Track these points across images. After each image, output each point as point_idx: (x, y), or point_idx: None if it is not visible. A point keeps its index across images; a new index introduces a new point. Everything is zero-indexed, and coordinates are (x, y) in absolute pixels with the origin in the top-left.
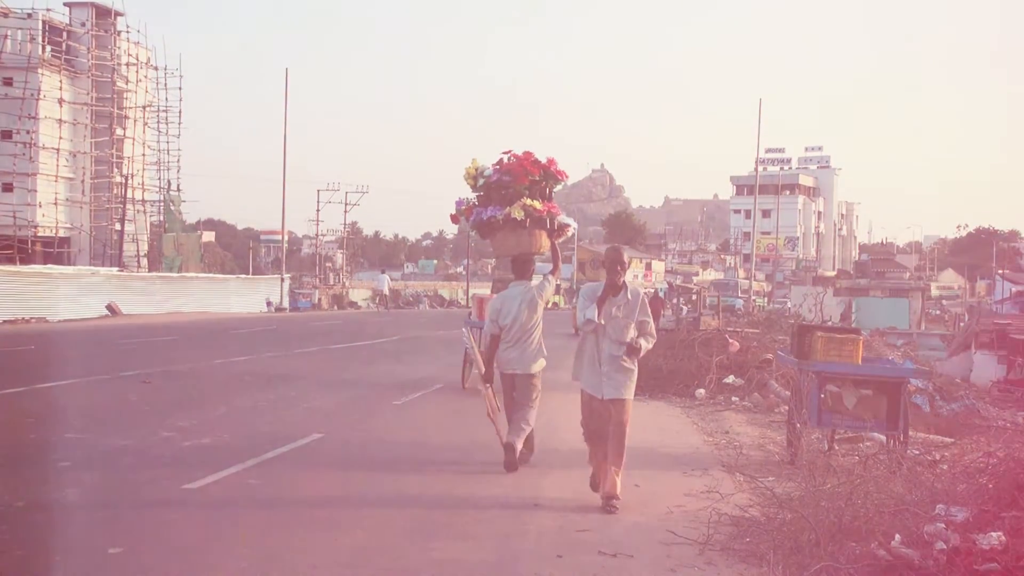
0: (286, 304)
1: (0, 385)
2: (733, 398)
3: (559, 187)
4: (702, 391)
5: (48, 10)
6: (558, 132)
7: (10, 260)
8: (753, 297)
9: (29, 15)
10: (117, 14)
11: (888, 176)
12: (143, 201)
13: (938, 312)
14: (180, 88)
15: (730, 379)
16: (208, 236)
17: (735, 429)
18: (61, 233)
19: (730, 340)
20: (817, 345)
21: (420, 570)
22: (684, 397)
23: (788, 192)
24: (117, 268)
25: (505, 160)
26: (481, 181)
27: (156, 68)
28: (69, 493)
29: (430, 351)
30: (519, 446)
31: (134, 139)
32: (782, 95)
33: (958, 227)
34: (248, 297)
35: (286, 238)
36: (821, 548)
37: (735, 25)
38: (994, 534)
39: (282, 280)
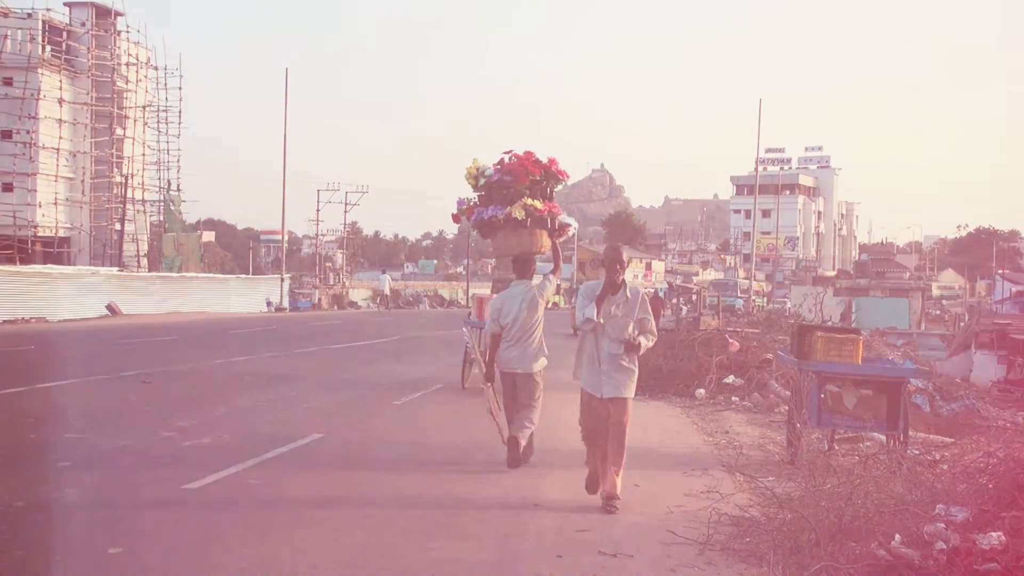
0: (286, 304)
1: (0, 385)
2: (733, 398)
3: (560, 187)
4: (702, 391)
5: (48, 10)
6: (558, 132)
7: (10, 260)
8: (752, 297)
9: (29, 15)
10: (117, 14)
11: (888, 176)
12: (143, 201)
13: (938, 312)
14: (180, 88)
15: (730, 379)
16: (208, 236)
17: (735, 429)
18: (61, 233)
19: (730, 340)
20: (817, 345)
21: (420, 570)
22: (684, 397)
23: (788, 192)
24: (117, 268)
25: (506, 160)
26: (482, 181)
27: (156, 68)
28: (69, 493)
29: (430, 351)
30: (523, 442)
31: (134, 139)
32: (782, 95)
33: (958, 227)
34: (248, 297)
35: (286, 238)
36: (821, 548)
37: (735, 25)
38: (994, 534)
39: (282, 280)
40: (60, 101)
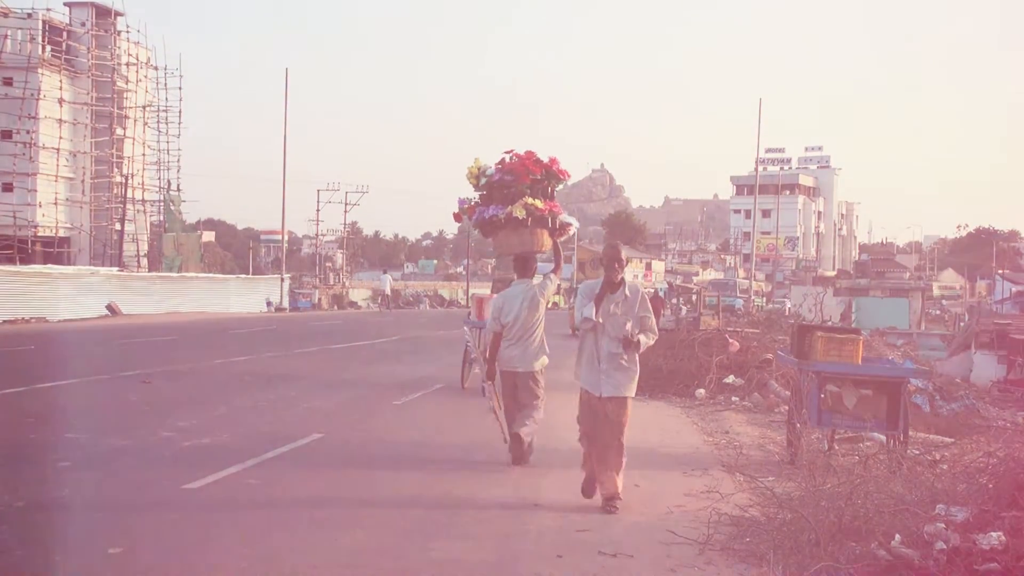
0: (286, 304)
1: (0, 385)
2: (733, 398)
3: (561, 186)
4: (702, 391)
5: (48, 10)
6: (558, 132)
7: (10, 260)
8: (752, 297)
9: (29, 15)
10: (117, 14)
11: (888, 176)
12: (143, 201)
13: (938, 312)
14: (180, 88)
15: (730, 379)
16: (208, 236)
17: (735, 429)
18: (61, 233)
19: (730, 340)
20: (817, 345)
21: (420, 570)
22: (684, 397)
23: (788, 192)
24: (117, 268)
25: (507, 159)
26: (483, 180)
27: (156, 68)
28: (69, 493)
29: (430, 351)
30: (527, 439)
31: (134, 139)
32: (782, 95)
33: (958, 227)
34: (248, 297)
35: (286, 238)
36: (821, 548)
37: (735, 25)
38: (994, 534)
39: (282, 280)
40: (60, 101)
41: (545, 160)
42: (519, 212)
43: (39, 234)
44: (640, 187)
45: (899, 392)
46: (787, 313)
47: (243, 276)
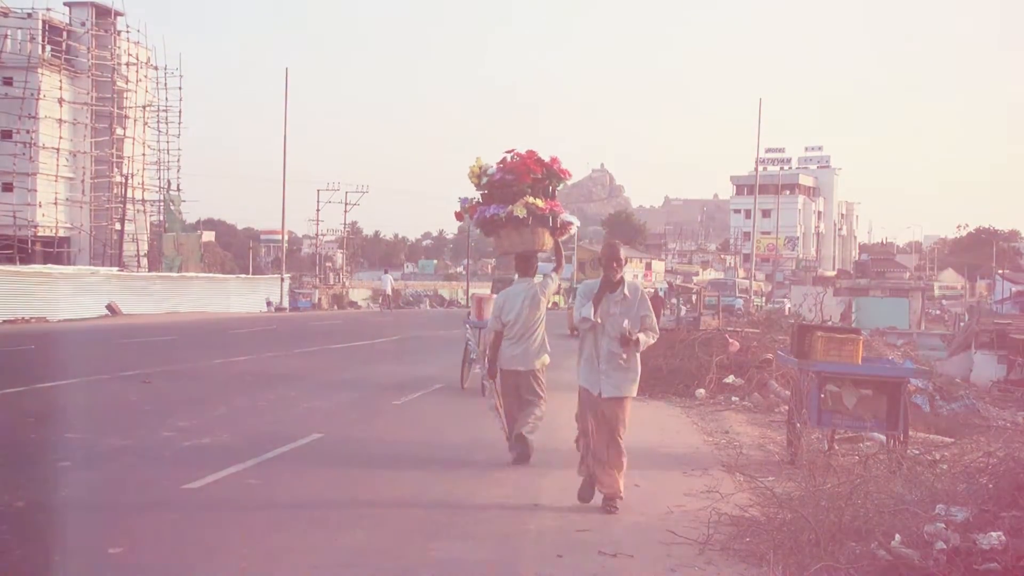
0: (286, 304)
1: (0, 385)
2: (733, 398)
3: (562, 186)
4: (702, 391)
5: (48, 10)
6: (558, 132)
7: (10, 260)
8: (751, 297)
9: (29, 15)
10: (117, 14)
11: (888, 176)
12: (143, 201)
13: (938, 312)
14: (180, 88)
15: (730, 379)
16: (208, 236)
17: (735, 429)
18: (61, 233)
19: (730, 340)
20: (817, 345)
21: (420, 570)
22: (684, 397)
23: (788, 192)
24: (117, 268)
25: (508, 159)
26: (484, 179)
27: (156, 68)
28: (69, 493)
29: (430, 351)
30: (531, 437)
31: (134, 139)
32: (782, 95)
33: (958, 227)
34: (248, 297)
35: (286, 238)
36: (821, 548)
37: (735, 25)
38: (994, 534)
39: (282, 280)
40: (60, 101)
41: (546, 159)
42: (520, 211)
43: (39, 234)
44: (640, 187)
45: (899, 392)
46: (787, 313)
47: (243, 276)
